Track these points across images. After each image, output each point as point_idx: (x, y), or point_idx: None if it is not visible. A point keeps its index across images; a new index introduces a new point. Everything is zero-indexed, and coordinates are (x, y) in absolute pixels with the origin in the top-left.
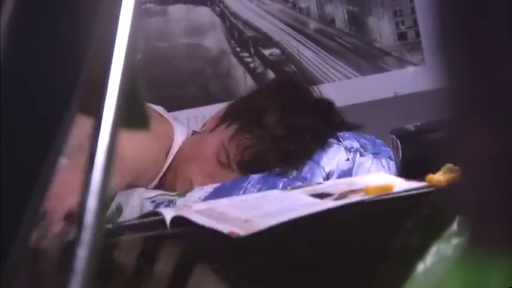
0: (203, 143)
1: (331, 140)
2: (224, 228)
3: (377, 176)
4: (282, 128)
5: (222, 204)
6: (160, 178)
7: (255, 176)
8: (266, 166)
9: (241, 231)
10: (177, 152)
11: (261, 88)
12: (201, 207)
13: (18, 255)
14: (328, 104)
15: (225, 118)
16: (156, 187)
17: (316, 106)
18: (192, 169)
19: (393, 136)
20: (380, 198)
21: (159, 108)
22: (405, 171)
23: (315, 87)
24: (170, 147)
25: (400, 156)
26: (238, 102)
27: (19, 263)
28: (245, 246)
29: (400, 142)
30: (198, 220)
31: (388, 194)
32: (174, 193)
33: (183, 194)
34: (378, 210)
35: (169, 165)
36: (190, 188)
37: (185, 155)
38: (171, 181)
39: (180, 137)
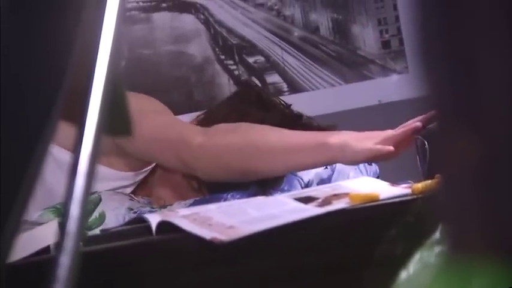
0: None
1: None
2: (207, 234)
3: (361, 181)
4: None
5: (207, 209)
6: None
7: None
8: (239, 187)
9: (224, 237)
10: None
11: (226, 105)
12: (187, 212)
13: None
14: (297, 117)
15: None
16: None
17: (285, 121)
18: (165, 191)
19: (419, 137)
20: (364, 206)
21: None
22: (432, 173)
23: (281, 99)
24: None
25: (428, 157)
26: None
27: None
28: (228, 252)
29: (427, 143)
30: (183, 225)
31: (372, 202)
32: (156, 206)
33: (164, 207)
34: (362, 217)
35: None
36: (170, 203)
37: (160, 174)
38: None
39: None
